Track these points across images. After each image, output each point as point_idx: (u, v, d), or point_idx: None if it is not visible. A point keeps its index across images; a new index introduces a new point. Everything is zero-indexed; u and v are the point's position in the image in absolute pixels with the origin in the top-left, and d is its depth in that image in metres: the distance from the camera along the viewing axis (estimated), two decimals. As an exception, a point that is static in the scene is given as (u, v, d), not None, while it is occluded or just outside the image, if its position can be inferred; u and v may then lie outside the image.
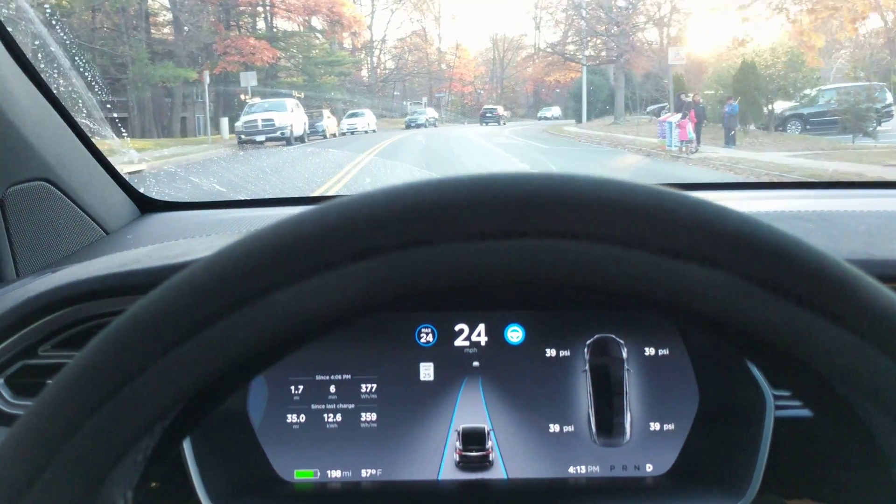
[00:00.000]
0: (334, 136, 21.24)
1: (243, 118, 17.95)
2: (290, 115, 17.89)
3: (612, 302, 0.39)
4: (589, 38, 30.99)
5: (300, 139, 17.77)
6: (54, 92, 1.33)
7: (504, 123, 33.32)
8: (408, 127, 28.93)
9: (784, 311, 0.36)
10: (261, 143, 16.23)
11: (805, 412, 0.94)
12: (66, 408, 0.35)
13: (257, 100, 19.76)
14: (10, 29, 1.19)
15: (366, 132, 23.34)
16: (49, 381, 0.37)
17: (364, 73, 41.17)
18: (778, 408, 0.94)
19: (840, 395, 0.38)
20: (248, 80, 23.38)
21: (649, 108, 26.54)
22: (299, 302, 0.35)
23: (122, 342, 0.36)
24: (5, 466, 0.36)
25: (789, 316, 0.36)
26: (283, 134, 16.90)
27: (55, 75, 1.44)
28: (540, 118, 35.32)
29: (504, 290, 0.39)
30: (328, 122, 21.54)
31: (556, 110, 36.62)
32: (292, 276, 0.35)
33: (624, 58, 28.15)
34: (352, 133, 22.91)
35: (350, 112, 26.85)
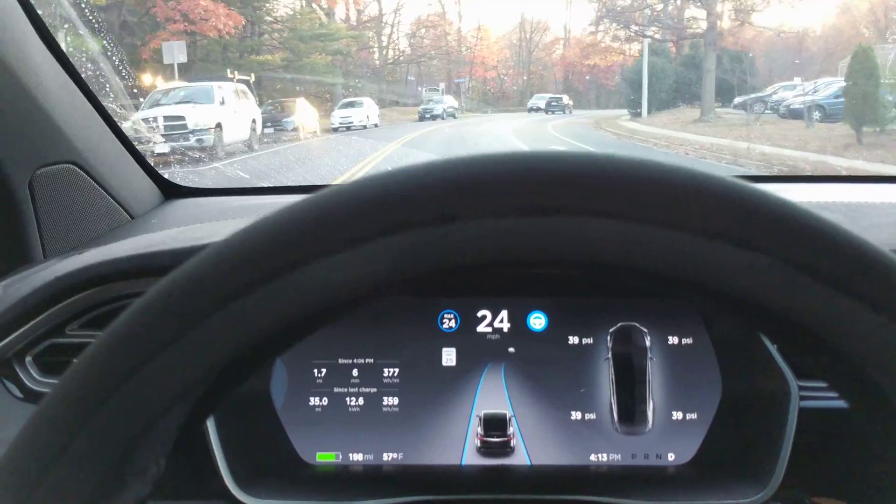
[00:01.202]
0: (314, 134, 16.14)
1: (139, 114, 9.70)
2: (219, 109, 11.20)
3: (644, 285, 0.39)
4: (653, 7, 24.69)
5: (247, 145, 11.70)
6: (82, 76, 1.34)
7: (570, 112, 29.83)
8: (421, 119, 24.43)
9: (823, 297, 0.35)
10: (163, 154, 8.11)
11: (831, 403, 0.93)
12: (101, 373, 0.36)
13: (176, 85, 12.71)
14: (40, 12, 1.20)
15: (364, 126, 18.82)
16: (75, 360, 0.37)
17: (372, 53, 35.26)
18: (803, 398, 0.93)
19: (876, 386, 0.38)
20: (174, 53, 13.84)
21: (738, 101, 20.33)
22: (330, 275, 0.35)
23: (157, 311, 0.36)
24: (40, 430, 0.36)
25: (829, 302, 0.35)
26: (200, 140, 10.25)
27: (83, 59, 1.46)
28: (531, 109, 29.77)
29: (533, 269, 0.39)
30: (303, 117, 15.69)
31: (565, 99, 31.92)
32: (324, 249, 0.35)
33: (715, 32, 20.80)
34: (347, 128, 18.28)
35: (344, 101, 21.59)
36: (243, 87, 13.32)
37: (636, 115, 22.15)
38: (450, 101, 27.57)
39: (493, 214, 0.35)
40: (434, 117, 24.44)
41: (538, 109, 29.12)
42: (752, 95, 19.94)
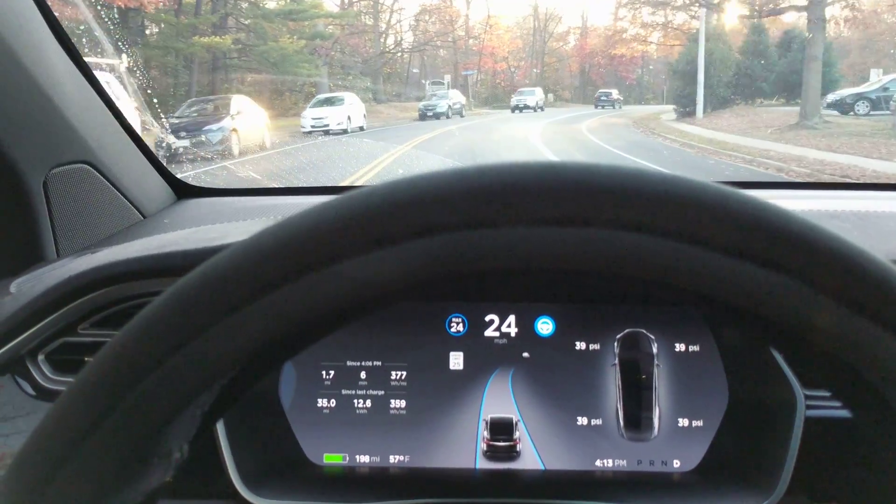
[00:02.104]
0: (261, 147, 11.88)
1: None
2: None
3: (653, 292, 0.39)
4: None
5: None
6: (96, 76, 1.35)
7: (620, 107, 28.02)
8: (422, 118, 21.02)
9: (844, 320, 0.36)
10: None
11: (837, 413, 0.94)
12: (132, 358, 0.37)
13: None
14: (56, 14, 1.21)
15: (345, 131, 14.94)
16: (88, 359, 0.38)
17: (366, 40, 31.03)
18: (809, 407, 0.93)
19: (884, 400, 0.38)
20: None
21: (831, 98, 16.05)
22: (362, 273, 0.36)
23: (191, 298, 0.37)
24: (70, 411, 0.37)
25: (850, 324, 0.36)
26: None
27: (98, 60, 1.47)
28: (516, 108, 26.39)
29: (552, 278, 0.39)
30: (242, 123, 11.57)
31: (539, 93, 28.58)
32: (357, 247, 0.36)
33: (823, 5, 16.05)
34: (325, 133, 14.58)
35: (318, 98, 17.01)
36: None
37: (685, 114, 18.84)
38: (456, 97, 24.33)
39: (524, 222, 0.36)
40: (437, 116, 21.34)
41: (524, 108, 26.41)
42: (851, 91, 16.04)
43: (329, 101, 16.49)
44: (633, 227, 0.36)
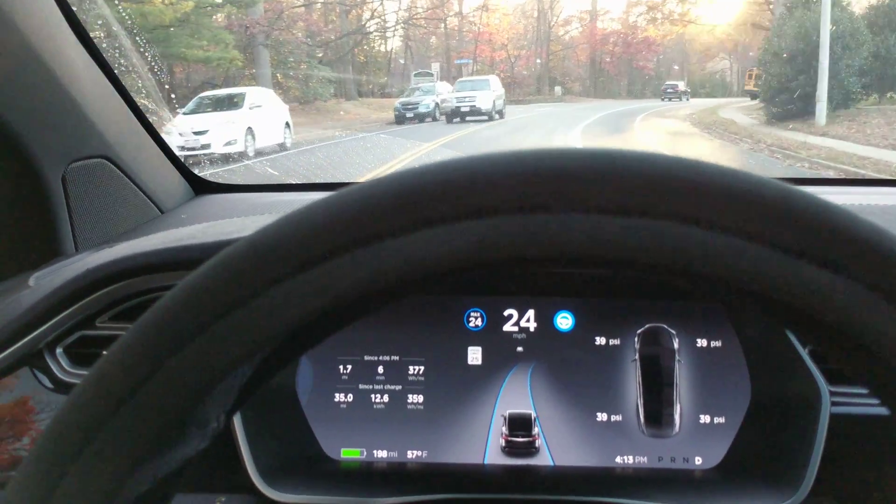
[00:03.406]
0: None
1: None
2: None
3: (676, 286, 0.39)
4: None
5: None
6: (115, 72, 1.35)
7: (688, 99, 25.67)
8: (399, 121, 15.97)
9: None
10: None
11: (863, 409, 0.92)
12: (176, 323, 0.36)
13: None
14: (74, 9, 1.21)
15: (241, 154, 9.20)
16: (104, 352, 0.38)
17: (328, 18, 24.00)
18: (835, 404, 0.92)
19: None
20: None
21: None
22: (410, 251, 0.36)
23: (236, 268, 0.36)
24: (110, 374, 0.37)
25: None
26: None
27: (117, 55, 1.48)
28: (455, 115, 16.68)
29: (572, 272, 0.39)
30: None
31: (495, 84, 20.32)
32: (407, 225, 0.36)
33: None
34: (206, 158, 8.85)
35: (202, 98, 10.79)
36: None
37: (784, 115, 13.31)
38: (444, 90, 18.46)
39: (580, 209, 0.35)
40: (420, 117, 16.21)
41: (469, 113, 16.63)
42: None
43: (218, 103, 10.34)
44: (691, 220, 0.35)
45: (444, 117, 16.73)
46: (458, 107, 16.87)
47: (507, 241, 0.35)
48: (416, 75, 25.70)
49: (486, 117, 16.67)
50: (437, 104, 17.42)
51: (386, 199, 0.36)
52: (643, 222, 0.35)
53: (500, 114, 17.94)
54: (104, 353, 0.37)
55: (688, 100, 26.05)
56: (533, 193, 0.35)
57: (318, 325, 0.40)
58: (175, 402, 0.37)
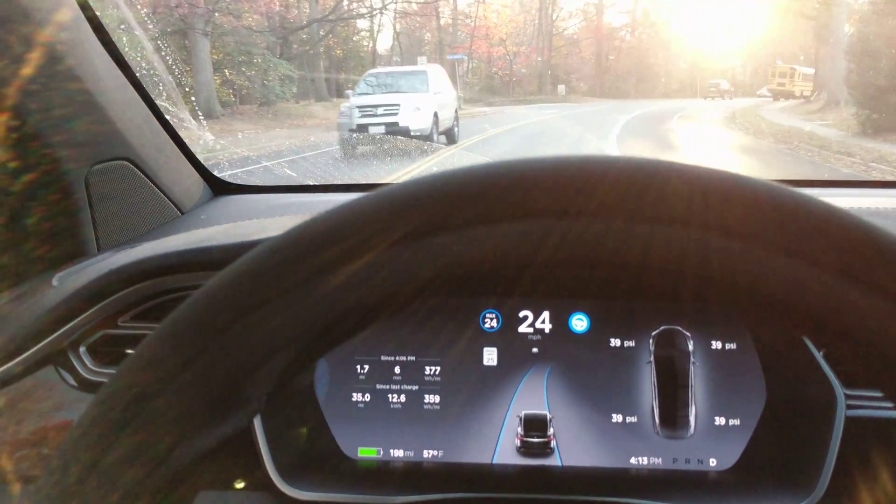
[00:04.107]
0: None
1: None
2: None
3: (691, 288, 0.39)
4: None
5: None
6: (137, 75, 1.37)
7: (732, 98, 24.68)
8: (344, 146, 9.20)
9: None
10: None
11: (879, 413, 0.92)
12: (232, 300, 0.38)
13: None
14: (98, 13, 1.23)
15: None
16: (129, 351, 0.39)
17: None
18: (849, 407, 0.92)
19: None
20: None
21: None
22: (461, 247, 0.37)
23: (297, 250, 0.38)
24: (165, 347, 0.38)
25: None
26: None
27: (138, 59, 1.50)
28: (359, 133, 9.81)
29: (587, 274, 0.40)
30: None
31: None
32: (459, 222, 0.37)
33: None
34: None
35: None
36: None
37: (882, 126, 10.78)
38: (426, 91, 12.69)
39: (623, 217, 0.36)
40: (394, 132, 9.91)
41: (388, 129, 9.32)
42: None
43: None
44: (734, 235, 0.36)
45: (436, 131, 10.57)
46: (365, 123, 10.24)
47: (549, 244, 0.36)
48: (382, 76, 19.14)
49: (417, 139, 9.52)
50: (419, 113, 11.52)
51: (441, 197, 0.37)
52: (682, 233, 0.36)
53: (450, 135, 11.10)
54: (149, 333, 0.38)
55: (731, 99, 24.93)
56: (578, 198, 0.36)
57: (359, 317, 0.41)
58: (222, 378, 0.38)
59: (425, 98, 10.90)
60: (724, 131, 15.77)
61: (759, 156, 11.49)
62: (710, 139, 14.58)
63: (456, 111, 11.94)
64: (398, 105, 10.41)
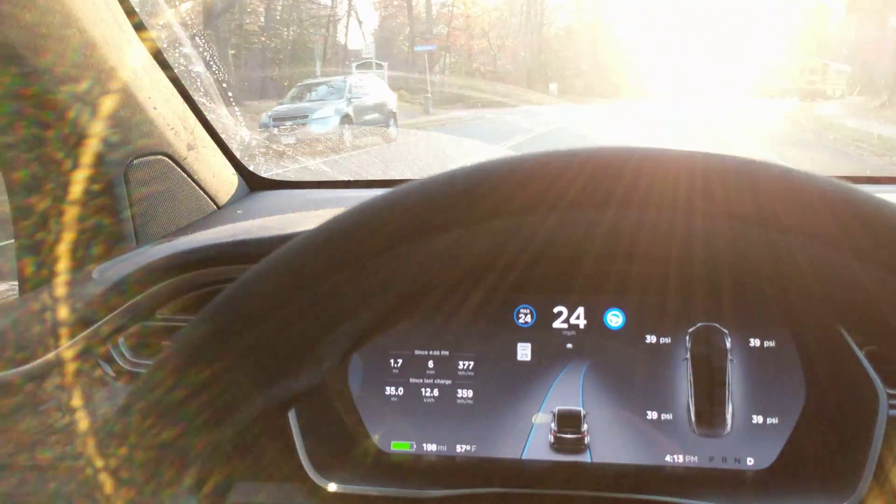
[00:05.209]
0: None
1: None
2: None
3: (729, 284, 0.39)
4: None
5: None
6: (176, 72, 1.39)
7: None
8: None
9: None
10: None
11: None
12: (318, 258, 0.39)
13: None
14: (137, 10, 1.25)
15: None
16: (165, 343, 0.40)
17: None
18: (892, 407, 0.90)
19: None
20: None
21: None
22: (503, 237, 0.38)
23: (378, 219, 0.39)
24: (247, 299, 0.39)
25: None
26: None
27: (177, 55, 1.52)
28: None
29: (623, 269, 0.40)
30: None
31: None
32: (535, 207, 0.37)
33: None
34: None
35: None
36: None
37: None
38: (376, 90, 12.21)
39: (687, 211, 0.36)
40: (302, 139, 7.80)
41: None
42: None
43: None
44: (772, 227, 0.36)
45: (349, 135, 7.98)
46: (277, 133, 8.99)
47: (614, 235, 0.36)
48: (357, 66, 18.84)
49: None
50: (348, 115, 10.72)
51: (489, 185, 0.37)
52: (738, 229, 0.36)
53: (385, 136, 9.26)
54: (237, 277, 0.39)
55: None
56: (607, 189, 0.36)
57: (429, 291, 0.41)
58: (302, 333, 0.39)
59: (338, 104, 11.37)
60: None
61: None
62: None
63: (389, 112, 12.27)
64: (307, 116, 10.70)
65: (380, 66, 18.97)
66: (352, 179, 1.90)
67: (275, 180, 1.70)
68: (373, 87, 12.93)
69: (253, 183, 1.67)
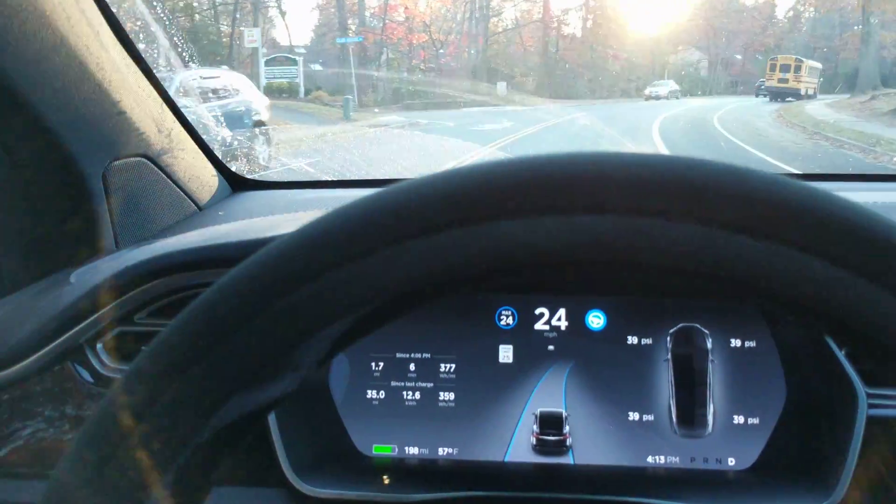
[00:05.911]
0: None
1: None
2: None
3: (709, 286, 0.39)
4: None
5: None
6: (154, 72, 1.37)
7: (678, 98, 21.44)
8: None
9: None
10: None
11: None
12: (292, 266, 0.38)
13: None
14: (114, 9, 1.24)
15: None
16: (145, 348, 0.39)
17: None
18: (871, 406, 0.90)
19: None
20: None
21: None
22: (525, 236, 0.37)
23: (359, 222, 0.38)
24: (221, 308, 0.39)
25: None
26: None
27: (155, 55, 1.50)
28: None
29: (605, 270, 0.39)
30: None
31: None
32: (527, 209, 0.37)
33: None
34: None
35: None
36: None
37: None
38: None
39: (695, 220, 0.36)
40: None
41: None
42: None
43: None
44: (750, 233, 0.36)
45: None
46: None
47: (620, 241, 0.36)
48: (267, 62, 17.80)
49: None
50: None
51: (473, 189, 0.37)
52: (698, 229, 0.36)
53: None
54: (218, 280, 0.39)
55: (678, 98, 22.41)
56: (659, 198, 0.36)
57: (417, 294, 0.41)
58: (277, 342, 0.39)
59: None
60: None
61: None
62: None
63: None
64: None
65: (292, 61, 17.25)
66: (335, 179, 1.90)
67: (257, 181, 1.69)
68: (228, 90, 10.59)
69: (235, 183, 1.65)
